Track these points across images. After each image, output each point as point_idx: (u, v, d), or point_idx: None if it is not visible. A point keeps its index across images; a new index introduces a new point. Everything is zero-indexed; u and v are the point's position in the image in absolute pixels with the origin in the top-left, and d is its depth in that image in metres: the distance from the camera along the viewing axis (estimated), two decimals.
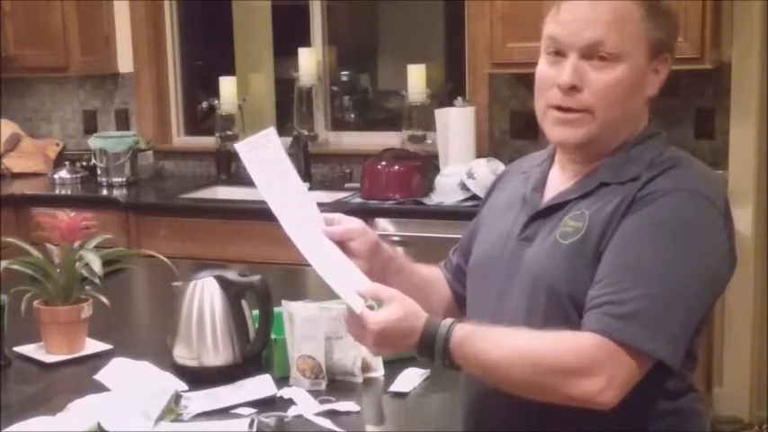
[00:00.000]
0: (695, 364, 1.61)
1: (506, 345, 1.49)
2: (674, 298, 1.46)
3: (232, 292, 2.00)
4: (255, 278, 2.02)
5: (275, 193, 1.74)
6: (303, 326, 1.94)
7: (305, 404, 1.85)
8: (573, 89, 1.55)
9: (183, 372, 1.98)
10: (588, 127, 1.57)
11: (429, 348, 1.52)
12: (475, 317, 1.68)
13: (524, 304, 1.59)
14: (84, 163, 4.80)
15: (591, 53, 1.55)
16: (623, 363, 1.44)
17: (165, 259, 2.29)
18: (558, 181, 1.66)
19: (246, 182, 5.00)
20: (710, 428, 1.59)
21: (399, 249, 1.93)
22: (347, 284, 1.68)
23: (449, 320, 1.53)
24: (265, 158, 1.73)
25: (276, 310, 2.02)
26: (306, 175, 4.54)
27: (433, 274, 1.91)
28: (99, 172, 4.68)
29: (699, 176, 1.55)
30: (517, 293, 1.61)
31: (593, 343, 1.45)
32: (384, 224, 3.92)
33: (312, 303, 2.00)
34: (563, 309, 1.54)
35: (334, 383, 1.94)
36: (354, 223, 1.75)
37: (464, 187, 3.88)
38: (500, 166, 3.89)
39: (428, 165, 4.12)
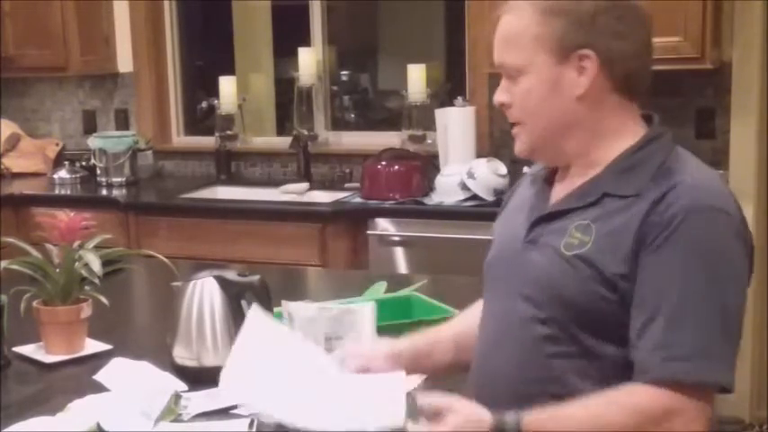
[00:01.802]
0: None
1: (582, 422, 1.47)
2: (724, 322, 1.47)
3: (232, 292, 2.00)
4: (255, 278, 2.01)
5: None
6: (302, 326, 1.94)
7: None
8: (504, 106, 1.64)
9: (182, 372, 1.98)
10: (525, 138, 1.64)
11: None
12: (485, 319, 1.70)
13: (531, 310, 1.59)
14: (84, 163, 4.80)
15: (505, 73, 1.63)
16: (695, 404, 1.46)
17: (165, 259, 2.28)
18: (561, 185, 1.67)
19: (246, 182, 5.01)
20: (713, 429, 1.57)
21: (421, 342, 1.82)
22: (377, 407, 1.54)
23: (512, 412, 1.48)
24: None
25: (276, 310, 2.02)
26: (306, 175, 4.54)
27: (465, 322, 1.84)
28: (98, 172, 4.68)
29: (711, 188, 1.52)
30: (523, 297, 1.61)
31: (655, 393, 1.45)
32: (384, 224, 3.91)
33: (312, 303, 2.00)
34: (568, 317, 1.54)
35: None
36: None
37: (464, 187, 3.88)
38: (500, 167, 3.89)
39: (428, 165, 4.12)
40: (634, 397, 1.46)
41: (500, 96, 1.65)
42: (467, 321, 1.82)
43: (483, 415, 1.49)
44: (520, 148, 1.66)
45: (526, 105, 1.61)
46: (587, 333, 1.53)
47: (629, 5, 1.58)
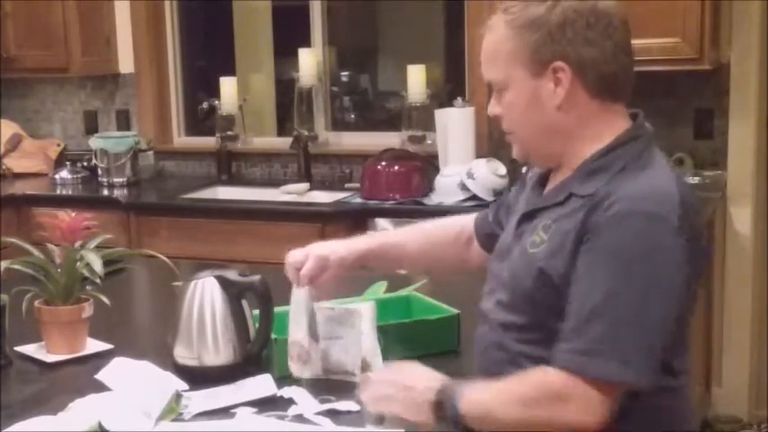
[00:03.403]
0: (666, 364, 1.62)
1: (493, 393, 1.60)
2: (639, 325, 1.51)
3: (232, 292, 2.01)
4: (255, 278, 2.02)
5: None
6: (292, 311, 1.96)
7: (305, 404, 1.85)
8: (497, 118, 1.73)
9: (183, 371, 1.98)
10: (517, 145, 1.74)
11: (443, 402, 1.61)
12: (482, 307, 1.81)
13: (507, 301, 1.70)
14: (85, 163, 4.81)
15: (493, 87, 1.71)
16: (596, 394, 1.51)
17: (166, 259, 2.29)
18: (550, 185, 1.75)
19: (247, 182, 5.02)
20: (699, 427, 1.64)
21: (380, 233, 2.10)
22: None
23: (457, 385, 1.62)
24: None
25: (276, 309, 2.03)
26: (306, 176, 4.55)
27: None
28: (100, 172, 4.69)
29: (651, 194, 1.55)
30: (503, 290, 1.72)
31: (559, 377, 1.54)
32: (384, 224, 3.92)
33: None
34: (535, 312, 1.64)
35: (335, 383, 1.95)
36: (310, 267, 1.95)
37: (464, 187, 3.88)
38: (500, 167, 3.90)
39: (428, 165, 4.13)
40: (539, 375, 1.56)
41: (492, 109, 1.74)
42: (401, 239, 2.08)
43: (433, 381, 1.64)
44: (516, 153, 1.76)
45: (512, 117, 1.70)
46: (549, 324, 1.61)
47: (598, 12, 1.62)
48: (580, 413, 1.52)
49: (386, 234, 2.08)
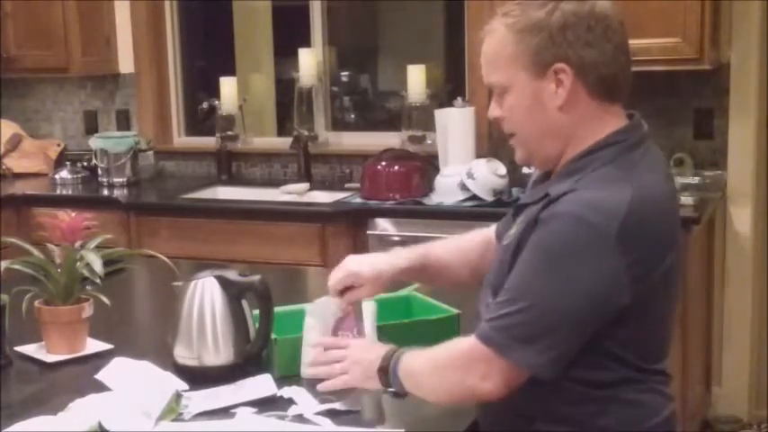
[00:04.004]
0: (626, 357, 1.67)
1: (421, 359, 1.76)
2: (547, 318, 1.59)
3: (232, 292, 2.01)
4: (255, 278, 2.02)
5: None
6: (313, 316, 1.96)
7: (305, 404, 1.85)
8: (497, 120, 1.75)
9: (183, 371, 1.99)
10: (520, 147, 1.76)
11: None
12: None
13: (490, 294, 1.76)
14: (85, 163, 4.81)
15: (494, 90, 1.74)
16: (496, 365, 1.62)
17: (166, 259, 2.29)
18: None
19: (247, 182, 5.02)
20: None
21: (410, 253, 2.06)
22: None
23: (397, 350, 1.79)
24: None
25: (276, 309, 2.03)
26: (306, 176, 4.55)
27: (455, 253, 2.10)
28: (100, 172, 4.69)
29: (593, 201, 1.59)
30: (488, 284, 1.80)
31: (470, 344, 1.66)
32: (384, 224, 3.92)
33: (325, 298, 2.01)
34: None
35: None
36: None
37: (464, 187, 3.88)
38: (500, 167, 3.90)
39: (428, 165, 4.13)
40: (456, 341, 1.73)
41: (492, 112, 1.76)
42: (441, 253, 2.06)
43: (380, 350, 1.81)
44: (518, 157, 1.79)
45: (514, 119, 1.72)
46: None
47: (597, 14, 1.65)
48: (478, 378, 1.64)
49: (426, 248, 2.05)
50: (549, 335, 1.59)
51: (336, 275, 1.93)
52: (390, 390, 1.79)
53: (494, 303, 1.66)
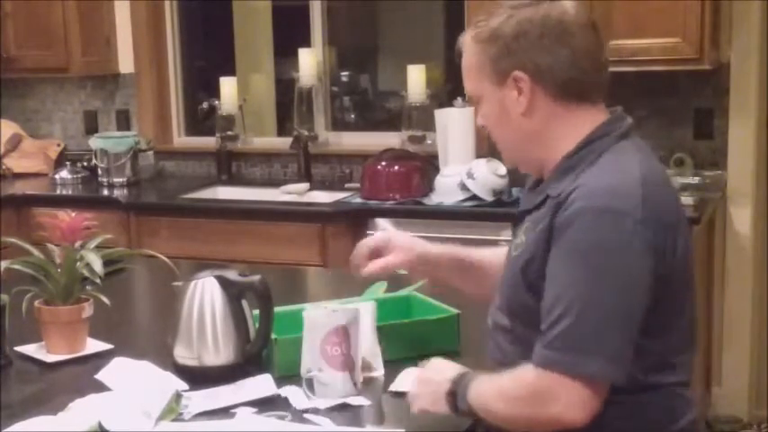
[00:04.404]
0: (652, 362, 1.64)
1: (489, 386, 1.67)
2: (600, 319, 1.55)
3: (232, 292, 2.01)
4: (255, 278, 2.02)
5: None
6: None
7: (304, 402, 1.85)
8: (484, 128, 1.79)
9: (183, 371, 1.99)
10: (503, 153, 1.82)
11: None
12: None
13: (499, 303, 1.78)
14: (85, 163, 4.81)
15: (473, 100, 1.79)
16: (571, 389, 1.55)
17: (166, 259, 2.29)
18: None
19: (247, 182, 5.01)
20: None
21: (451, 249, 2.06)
22: None
23: (468, 374, 1.71)
24: None
25: (276, 309, 2.03)
26: (306, 176, 4.55)
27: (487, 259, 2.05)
28: (100, 172, 4.69)
29: (608, 188, 1.59)
30: (498, 293, 1.80)
31: (535, 376, 1.58)
32: (384, 224, 3.92)
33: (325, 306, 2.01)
34: (519, 314, 1.71)
35: None
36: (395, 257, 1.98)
37: (464, 187, 3.88)
38: (500, 167, 3.89)
39: (428, 165, 4.13)
40: (521, 372, 1.62)
41: (477, 121, 1.82)
42: (487, 257, 2.02)
43: (450, 372, 1.72)
44: (505, 162, 1.88)
45: (490, 127, 1.77)
46: (530, 329, 1.65)
47: (551, 20, 1.67)
48: (561, 407, 1.56)
49: (469, 248, 2.05)
50: (610, 335, 1.55)
51: (367, 240, 1.94)
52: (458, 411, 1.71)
53: (543, 324, 1.59)
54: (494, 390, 1.65)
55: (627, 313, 1.56)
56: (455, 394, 1.69)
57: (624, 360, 1.56)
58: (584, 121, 1.70)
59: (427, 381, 1.75)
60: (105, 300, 2.14)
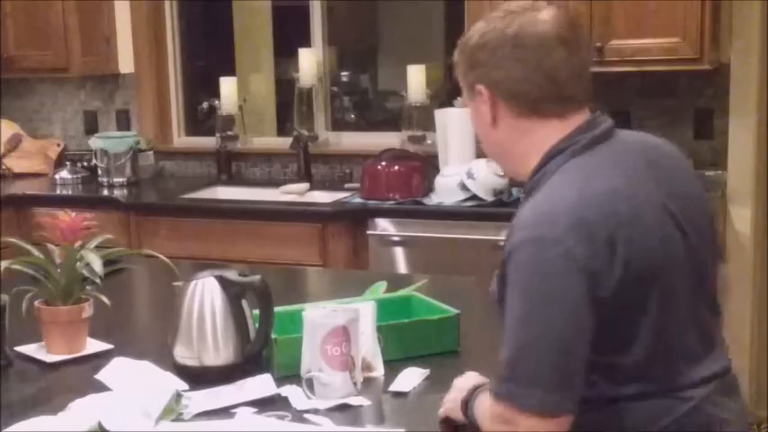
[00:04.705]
0: (624, 375, 1.62)
1: (484, 401, 1.69)
2: (535, 352, 1.54)
3: (232, 292, 2.01)
4: (255, 278, 2.02)
5: None
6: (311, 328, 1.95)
7: (304, 402, 1.85)
8: None
9: (183, 371, 1.99)
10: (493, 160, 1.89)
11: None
12: None
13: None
14: (85, 163, 4.81)
15: None
16: (522, 416, 1.55)
17: (166, 259, 2.29)
18: None
19: (247, 182, 5.02)
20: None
21: None
22: None
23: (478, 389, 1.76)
24: None
25: (276, 309, 2.03)
26: (306, 176, 4.55)
27: None
28: (100, 172, 4.69)
29: (538, 217, 1.58)
30: None
31: (493, 401, 1.60)
32: (384, 224, 3.92)
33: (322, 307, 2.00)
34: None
35: None
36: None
37: (464, 187, 3.88)
38: (500, 167, 3.89)
39: (428, 165, 4.13)
40: (489, 397, 1.63)
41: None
42: None
43: (472, 381, 1.79)
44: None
45: (477, 135, 1.81)
46: None
47: (504, 35, 1.67)
48: None
49: None
50: (547, 367, 1.54)
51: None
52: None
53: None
54: (484, 406, 1.67)
55: (564, 342, 1.54)
56: (467, 404, 1.74)
57: (567, 388, 1.55)
58: (547, 136, 1.68)
59: (457, 388, 1.80)
60: (105, 300, 2.14)
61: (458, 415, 1.77)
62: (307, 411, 1.82)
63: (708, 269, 1.74)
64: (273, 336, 2.01)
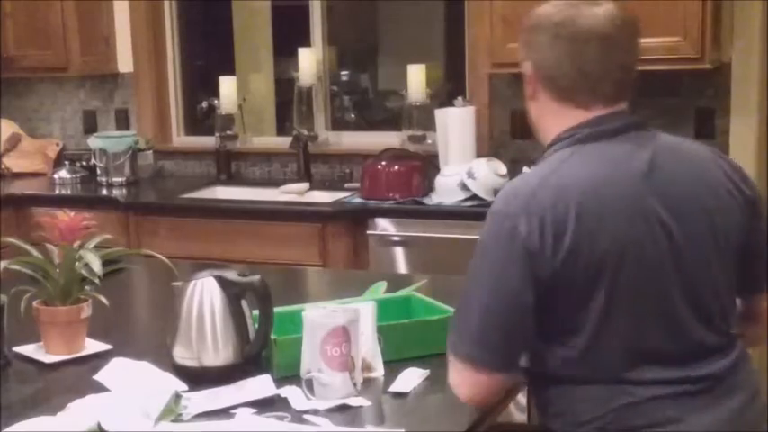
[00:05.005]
0: (572, 357, 1.74)
1: None
2: (474, 310, 1.73)
3: (232, 292, 2.00)
4: (255, 278, 2.02)
5: None
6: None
7: (303, 402, 1.85)
8: None
9: (182, 372, 1.98)
10: None
11: None
12: None
13: None
14: (84, 163, 4.81)
15: None
16: (457, 365, 1.77)
17: (165, 259, 2.28)
18: None
19: (246, 182, 5.02)
20: None
21: None
22: None
23: None
24: None
25: (276, 309, 2.02)
26: (306, 175, 4.54)
27: None
28: (99, 172, 4.68)
29: (506, 192, 1.79)
30: None
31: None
32: (384, 224, 3.92)
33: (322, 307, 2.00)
34: None
35: None
36: None
37: (464, 187, 3.88)
38: (500, 167, 3.89)
39: (428, 165, 4.12)
40: None
41: None
42: None
43: None
44: None
45: None
46: None
47: (549, 25, 1.81)
48: (452, 382, 1.79)
49: None
50: (481, 324, 1.72)
51: None
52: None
53: None
54: None
55: (493, 308, 1.71)
56: None
57: (492, 349, 1.72)
58: (567, 122, 1.82)
59: None
60: (104, 300, 2.13)
61: None
62: (306, 412, 1.82)
63: (704, 276, 1.76)
64: (273, 336, 2.00)
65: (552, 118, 1.84)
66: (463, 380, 1.76)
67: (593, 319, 1.70)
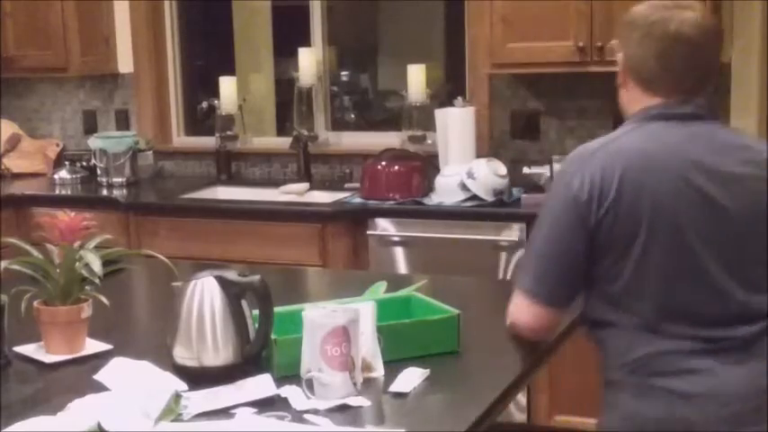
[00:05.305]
0: (608, 303, 1.98)
1: None
2: (535, 251, 2.04)
3: (232, 292, 2.00)
4: (255, 278, 2.01)
5: None
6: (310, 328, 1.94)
7: (303, 402, 1.85)
8: None
9: (182, 372, 1.98)
10: None
11: None
12: None
13: None
14: (84, 163, 4.81)
15: None
16: (518, 295, 2.06)
17: (165, 259, 2.28)
18: None
19: (246, 182, 5.01)
20: None
21: None
22: None
23: None
24: None
25: (276, 309, 2.02)
26: (306, 176, 4.55)
27: None
28: (99, 172, 4.69)
29: (574, 154, 2.03)
30: None
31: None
32: (384, 224, 3.92)
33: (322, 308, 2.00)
34: None
35: None
36: None
37: (464, 187, 3.88)
38: (500, 167, 3.89)
39: (428, 165, 4.12)
40: None
41: None
42: None
43: None
44: None
45: None
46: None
47: (644, 23, 2.01)
48: (512, 309, 2.07)
49: None
50: (541, 263, 2.01)
51: None
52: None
53: None
54: None
55: (546, 250, 2.00)
56: None
57: (546, 284, 2.00)
58: (644, 105, 2.03)
59: None
60: (104, 300, 2.13)
61: None
62: (306, 412, 1.82)
63: (749, 246, 1.95)
64: (273, 336, 2.00)
65: (636, 103, 2.04)
66: (521, 309, 2.04)
67: (629, 269, 1.92)
